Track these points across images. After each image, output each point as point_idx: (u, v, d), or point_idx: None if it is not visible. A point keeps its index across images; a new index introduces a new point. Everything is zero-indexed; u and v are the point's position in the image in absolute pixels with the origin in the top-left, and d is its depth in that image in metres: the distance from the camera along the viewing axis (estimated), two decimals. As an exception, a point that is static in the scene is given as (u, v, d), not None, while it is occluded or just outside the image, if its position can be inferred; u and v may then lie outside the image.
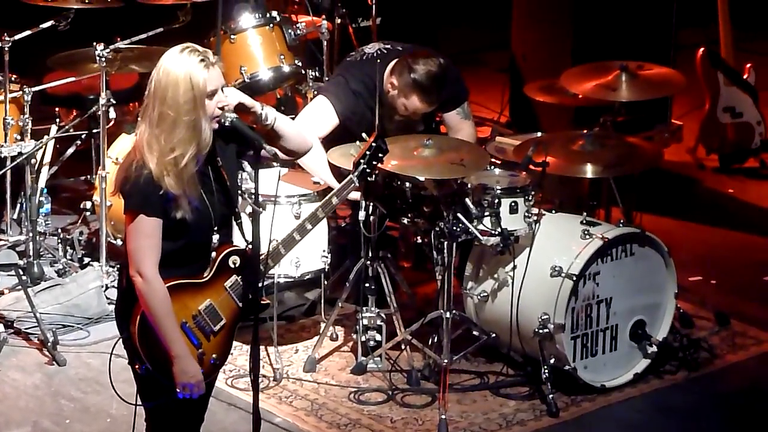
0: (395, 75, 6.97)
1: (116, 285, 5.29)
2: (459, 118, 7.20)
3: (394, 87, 6.97)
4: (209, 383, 5.06)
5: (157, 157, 4.75)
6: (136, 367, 4.85)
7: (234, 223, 5.14)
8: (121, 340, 4.92)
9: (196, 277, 4.87)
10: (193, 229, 4.83)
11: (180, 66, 4.81)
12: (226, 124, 5.00)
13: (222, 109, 5.11)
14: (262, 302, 4.99)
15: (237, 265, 4.96)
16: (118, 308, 4.97)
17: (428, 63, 6.95)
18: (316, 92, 7.51)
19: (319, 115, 7.07)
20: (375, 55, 7.34)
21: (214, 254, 4.94)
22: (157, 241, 4.76)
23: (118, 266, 5.49)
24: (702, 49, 9.32)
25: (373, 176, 5.77)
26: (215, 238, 4.90)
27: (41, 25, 7.67)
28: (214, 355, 4.98)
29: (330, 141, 7.23)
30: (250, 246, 5.02)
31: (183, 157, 4.75)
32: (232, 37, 7.80)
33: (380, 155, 5.57)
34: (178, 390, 4.90)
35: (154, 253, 4.75)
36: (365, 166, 5.57)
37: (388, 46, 7.25)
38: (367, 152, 5.57)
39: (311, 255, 6.73)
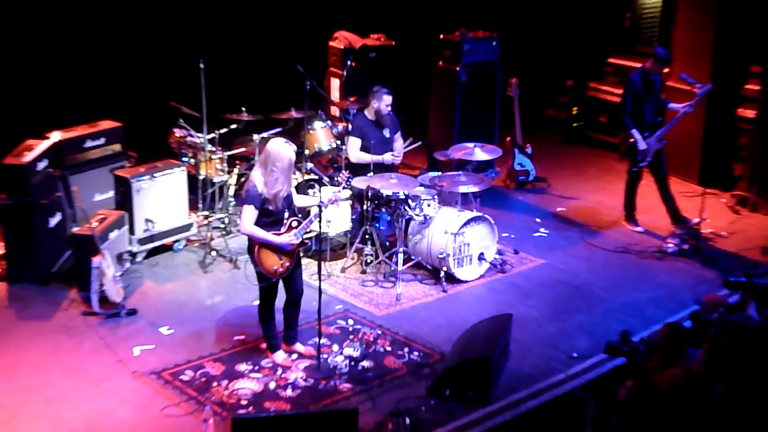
0: (371, 100, 9.28)
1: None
2: (398, 136, 9.57)
3: (374, 101, 9.26)
4: (289, 272, 6.69)
5: (263, 185, 6.55)
6: (256, 269, 6.68)
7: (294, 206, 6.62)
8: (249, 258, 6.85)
9: (278, 232, 6.63)
10: (276, 214, 6.68)
11: (284, 150, 6.59)
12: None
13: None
14: (304, 241, 6.74)
15: (295, 225, 6.68)
16: (248, 247, 6.98)
17: (379, 87, 9.13)
18: (348, 135, 9.46)
19: (355, 144, 9.39)
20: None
21: (285, 220, 6.68)
22: (255, 216, 6.52)
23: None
24: (508, 138, 11.94)
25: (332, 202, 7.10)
26: (285, 214, 6.71)
27: (231, 126, 9.94)
28: (287, 263, 6.96)
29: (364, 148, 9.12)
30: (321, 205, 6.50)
31: (279, 192, 6.50)
32: (311, 130, 10.09)
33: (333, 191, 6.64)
34: (287, 246, 6.24)
35: (253, 220, 6.52)
36: (324, 203, 6.93)
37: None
38: (330, 194, 6.84)
39: (341, 220, 9.17)
